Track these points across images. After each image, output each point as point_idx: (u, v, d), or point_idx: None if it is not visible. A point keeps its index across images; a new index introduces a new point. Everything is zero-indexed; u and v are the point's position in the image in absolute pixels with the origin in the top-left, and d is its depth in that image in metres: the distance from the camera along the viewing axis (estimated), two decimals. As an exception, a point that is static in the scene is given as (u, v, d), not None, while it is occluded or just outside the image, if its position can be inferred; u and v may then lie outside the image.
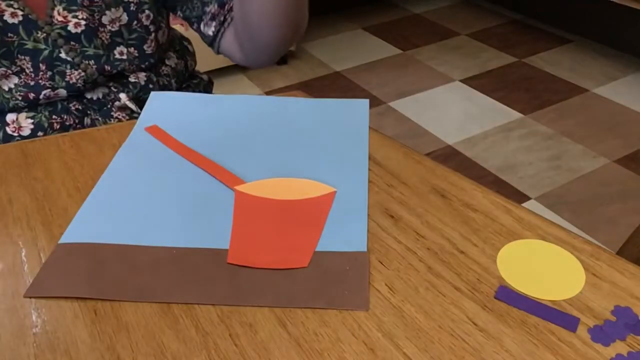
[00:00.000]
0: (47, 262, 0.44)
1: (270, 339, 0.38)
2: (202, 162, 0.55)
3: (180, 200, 0.51)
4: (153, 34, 0.72)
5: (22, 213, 0.50)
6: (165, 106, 0.64)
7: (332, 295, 0.41)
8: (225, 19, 0.72)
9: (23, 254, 0.46)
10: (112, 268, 0.43)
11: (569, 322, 0.38)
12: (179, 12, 0.75)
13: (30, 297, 0.41)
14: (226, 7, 0.71)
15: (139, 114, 0.64)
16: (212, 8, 0.72)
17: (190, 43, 0.87)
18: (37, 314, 0.40)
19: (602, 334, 0.38)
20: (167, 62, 0.78)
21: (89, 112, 0.71)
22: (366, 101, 0.63)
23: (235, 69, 2.29)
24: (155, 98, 0.65)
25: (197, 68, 0.88)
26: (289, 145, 0.58)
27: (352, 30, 2.72)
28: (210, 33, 0.73)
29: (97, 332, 0.39)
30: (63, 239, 0.46)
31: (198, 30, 0.75)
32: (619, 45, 2.40)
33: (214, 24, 0.72)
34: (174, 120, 0.61)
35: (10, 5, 0.61)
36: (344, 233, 0.46)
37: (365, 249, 0.45)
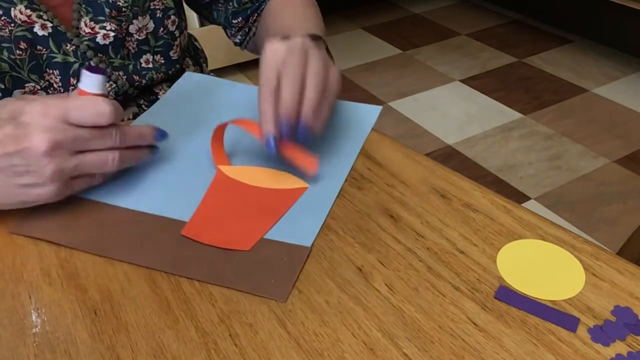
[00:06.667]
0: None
1: (270, 339, 0.38)
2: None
3: (166, 169, 0.54)
4: (178, 39, 0.71)
5: (22, 213, 0.50)
6: (193, 86, 0.68)
7: (257, 281, 0.42)
8: (250, 29, 0.77)
9: (23, 253, 0.46)
10: (81, 221, 0.48)
11: (569, 322, 0.38)
12: (206, 15, 0.79)
13: (14, 234, 0.47)
14: (250, 19, 0.76)
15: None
16: (239, 22, 0.76)
17: (196, 40, 0.86)
18: (37, 314, 0.40)
19: (602, 334, 0.38)
20: (187, 70, 0.77)
21: None
22: (378, 108, 0.63)
23: (234, 68, 2.29)
24: (188, 78, 0.69)
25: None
26: None
27: (352, 30, 2.73)
28: (237, 41, 0.79)
29: (97, 332, 0.39)
30: None
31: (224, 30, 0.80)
32: (619, 45, 2.41)
33: (240, 34, 0.78)
34: (198, 101, 0.65)
35: (40, 17, 0.59)
36: (296, 226, 0.47)
37: (310, 244, 0.45)
